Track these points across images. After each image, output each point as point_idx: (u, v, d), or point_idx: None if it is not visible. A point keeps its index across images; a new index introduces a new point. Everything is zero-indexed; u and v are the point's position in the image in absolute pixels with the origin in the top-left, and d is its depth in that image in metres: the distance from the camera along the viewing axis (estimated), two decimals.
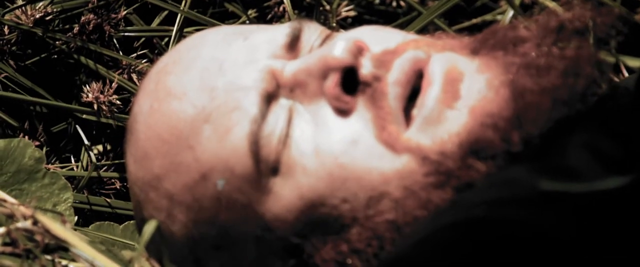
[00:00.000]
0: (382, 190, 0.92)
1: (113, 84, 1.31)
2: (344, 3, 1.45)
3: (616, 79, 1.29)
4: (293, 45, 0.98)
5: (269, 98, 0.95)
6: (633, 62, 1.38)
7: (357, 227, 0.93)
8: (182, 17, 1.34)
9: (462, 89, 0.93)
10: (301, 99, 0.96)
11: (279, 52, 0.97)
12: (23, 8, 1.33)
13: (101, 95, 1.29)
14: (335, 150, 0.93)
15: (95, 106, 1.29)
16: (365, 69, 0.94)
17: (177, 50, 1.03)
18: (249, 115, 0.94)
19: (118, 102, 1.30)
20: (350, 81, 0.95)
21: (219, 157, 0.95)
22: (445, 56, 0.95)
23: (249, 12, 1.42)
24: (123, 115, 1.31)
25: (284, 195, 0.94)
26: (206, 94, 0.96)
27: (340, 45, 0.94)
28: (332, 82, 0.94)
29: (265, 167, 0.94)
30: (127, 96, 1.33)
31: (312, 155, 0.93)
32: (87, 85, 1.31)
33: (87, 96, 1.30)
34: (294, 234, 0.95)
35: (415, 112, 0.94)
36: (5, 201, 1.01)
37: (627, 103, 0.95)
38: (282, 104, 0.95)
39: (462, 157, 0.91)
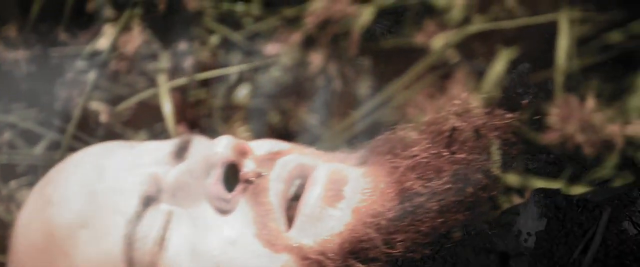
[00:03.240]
0: None
1: None
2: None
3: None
4: (180, 154, 0.97)
5: (149, 201, 0.93)
6: (540, 183, 1.33)
7: None
8: (67, 143, 1.26)
9: (345, 190, 0.92)
10: (182, 203, 0.94)
11: (164, 159, 0.96)
12: None
13: None
14: (212, 249, 0.91)
15: None
16: (248, 167, 0.93)
17: (63, 162, 1.02)
18: (126, 217, 0.92)
19: None
20: (233, 183, 0.93)
21: (93, 262, 0.92)
22: (332, 164, 0.95)
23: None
24: None
25: None
26: (85, 199, 0.94)
27: (223, 142, 0.93)
28: (214, 178, 0.92)
29: None
30: None
31: (188, 256, 0.91)
32: None
33: None
34: None
35: (297, 212, 0.92)
36: None
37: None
38: (161, 208, 0.93)
39: (343, 257, 0.89)
